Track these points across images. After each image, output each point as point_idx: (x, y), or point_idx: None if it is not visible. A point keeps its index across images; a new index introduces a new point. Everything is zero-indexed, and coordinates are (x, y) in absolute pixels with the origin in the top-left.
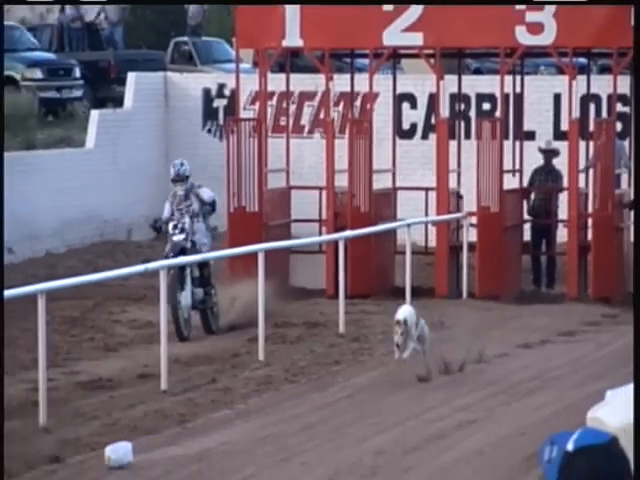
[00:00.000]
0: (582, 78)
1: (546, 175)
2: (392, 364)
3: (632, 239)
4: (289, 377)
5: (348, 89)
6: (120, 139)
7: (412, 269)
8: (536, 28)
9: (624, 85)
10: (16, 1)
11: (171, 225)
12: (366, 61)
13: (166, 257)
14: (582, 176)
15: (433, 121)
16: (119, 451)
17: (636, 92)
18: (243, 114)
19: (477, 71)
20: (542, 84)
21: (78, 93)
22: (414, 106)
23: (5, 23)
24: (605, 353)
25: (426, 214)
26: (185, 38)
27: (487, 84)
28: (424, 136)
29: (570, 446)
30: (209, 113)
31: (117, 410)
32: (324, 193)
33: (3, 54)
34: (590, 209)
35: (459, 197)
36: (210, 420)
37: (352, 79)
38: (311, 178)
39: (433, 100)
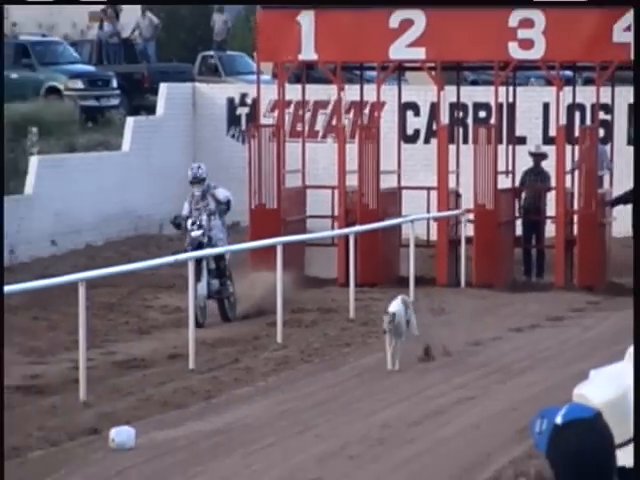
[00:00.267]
0: (568, 89)
1: (535, 176)
2: (399, 346)
3: (613, 234)
4: (304, 357)
5: (358, 98)
6: (152, 143)
7: (415, 260)
8: (527, 44)
9: (606, 95)
10: (16, 1)
11: (190, 222)
12: (374, 73)
13: (185, 251)
14: (568, 177)
15: (434, 127)
16: (122, 435)
17: (636, 92)
18: (263, 121)
19: (474, 82)
20: (532, 94)
21: (115, 102)
22: (417, 114)
23: (50, 39)
24: (589, 336)
25: (428, 211)
26: (211, 52)
27: (483, 94)
28: (426, 141)
29: (559, 419)
30: (232, 120)
31: (149, 387)
32: (336, 192)
33: (3, 55)
34: (575, 207)
35: (458, 196)
36: (233, 396)
37: (361, 89)
38: (324, 178)
39: (434, 108)
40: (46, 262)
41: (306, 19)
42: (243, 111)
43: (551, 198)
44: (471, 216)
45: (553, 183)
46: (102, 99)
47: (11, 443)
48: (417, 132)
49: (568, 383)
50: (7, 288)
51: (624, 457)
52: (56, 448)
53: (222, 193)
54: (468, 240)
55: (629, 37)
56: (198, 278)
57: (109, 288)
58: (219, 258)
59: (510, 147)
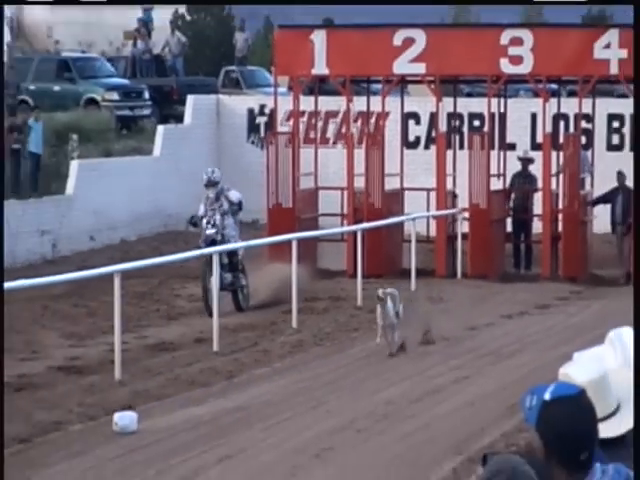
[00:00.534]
0: (554, 100)
1: (524, 179)
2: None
3: (594, 230)
4: (317, 341)
5: (365, 109)
6: (181, 149)
7: (416, 254)
8: (517, 60)
9: (587, 106)
10: (16, 1)
11: (205, 221)
12: (379, 86)
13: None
14: (553, 179)
15: (433, 135)
16: (125, 419)
17: (636, 92)
18: (280, 129)
19: (469, 94)
20: (521, 105)
21: (147, 112)
22: (418, 123)
23: (89, 55)
24: (573, 322)
25: (428, 210)
26: (233, 67)
27: (477, 105)
28: (426, 147)
29: (547, 396)
30: (252, 128)
31: (177, 367)
32: (345, 193)
33: (3, 55)
34: (560, 206)
35: (454, 196)
36: (253, 376)
37: (368, 101)
38: (335, 180)
39: (433, 118)
40: (85, 255)
41: (319, 37)
42: (262, 120)
43: (538, 198)
44: (466, 214)
45: (540, 185)
46: (135, 109)
47: (54, 418)
48: (418, 139)
49: (554, 364)
50: (51, 278)
51: (605, 430)
52: (94, 422)
53: (234, 195)
54: (464, 236)
55: (608, 54)
56: (211, 272)
57: (141, 279)
58: (232, 253)
59: (501, 152)
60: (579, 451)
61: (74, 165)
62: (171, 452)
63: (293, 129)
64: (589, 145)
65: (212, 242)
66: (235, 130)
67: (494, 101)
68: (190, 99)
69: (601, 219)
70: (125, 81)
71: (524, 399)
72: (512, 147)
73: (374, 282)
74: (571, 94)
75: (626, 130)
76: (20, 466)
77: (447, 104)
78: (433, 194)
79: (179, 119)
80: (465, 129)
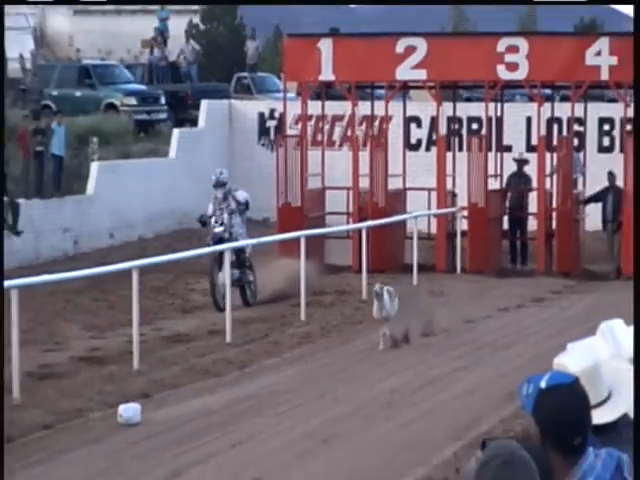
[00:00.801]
0: (548, 105)
1: (519, 179)
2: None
3: (586, 228)
4: (324, 333)
5: (369, 113)
6: (195, 151)
7: (418, 250)
8: (513, 66)
9: (580, 110)
10: (16, 1)
11: (213, 220)
12: (383, 91)
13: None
14: (548, 179)
15: (434, 137)
16: (129, 411)
17: (636, 92)
18: (289, 132)
19: (468, 99)
20: (517, 109)
21: (163, 116)
22: (420, 126)
23: (108, 62)
24: (566, 315)
25: (429, 208)
26: (245, 74)
27: (475, 109)
28: (427, 149)
29: (543, 384)
30: (263, 131)
31: (192, 358)
32: (351, 192)
33: (4, 56)
34: (554, 205)
35: (454, 196)
36: (263, 366)
37: (372, 105)
38: (341, 181)
39: (434, 121)
40: (104, 252)
41: (325, 45)
42: (272, 124)
43: (533, 197)
44: (465, 213)
45: (534, 185)
46: (152, 113)
47: (76, 405)
48: (419, 141)
49: (549, 354)
50: (72, 274)
51: (598, 416)
52: (113, 410)
53: (241, 195)
54: (463, 233)
55: (599, 61)
56: (219, 268)
57: (158, 274)
58: (239, 251)
59: (498, 154)
60: (573, 436)
61: (94, 166)
62: (186, 438)
63: (301, 132)
64: (581, 147)
65: (220, 240)
66: (246, 133)
67: (491, 105)
68: (204, 104)
69: (593, 217)
70: (142, 87)
71: (521, 387)
72: (508, 149)
73: (378, 277)
74: (564, 99)
75: (616, 133)
76: (44, 451)
77: (447, 108)
78: (434, 193)
79: (193, 123)
80: (464, 132)
